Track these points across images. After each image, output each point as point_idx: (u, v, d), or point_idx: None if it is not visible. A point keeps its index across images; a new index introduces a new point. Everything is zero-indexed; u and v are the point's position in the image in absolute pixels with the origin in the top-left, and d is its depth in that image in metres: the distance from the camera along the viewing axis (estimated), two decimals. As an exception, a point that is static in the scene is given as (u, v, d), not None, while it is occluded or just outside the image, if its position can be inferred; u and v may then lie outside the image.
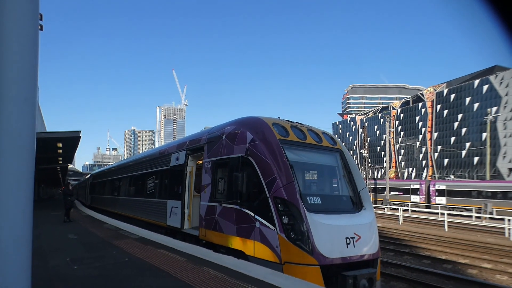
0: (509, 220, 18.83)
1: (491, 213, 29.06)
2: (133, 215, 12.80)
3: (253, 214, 5.87)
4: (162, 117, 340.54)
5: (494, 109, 74.68)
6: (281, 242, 5.30)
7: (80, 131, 14.06)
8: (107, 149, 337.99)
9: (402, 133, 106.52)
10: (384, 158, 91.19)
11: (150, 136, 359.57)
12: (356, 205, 6.56)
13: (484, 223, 23.40)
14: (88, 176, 31.79)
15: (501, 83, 79.73)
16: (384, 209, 31.54)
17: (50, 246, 7.24)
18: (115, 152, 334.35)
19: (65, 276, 4.77)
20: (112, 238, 8.29)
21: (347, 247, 5.45)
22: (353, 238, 5.57)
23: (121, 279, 4.58)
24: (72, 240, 8.26)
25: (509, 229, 18.01)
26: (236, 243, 6.18)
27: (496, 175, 72.25)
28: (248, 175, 6.21)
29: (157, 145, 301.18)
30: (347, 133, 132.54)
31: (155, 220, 10.28)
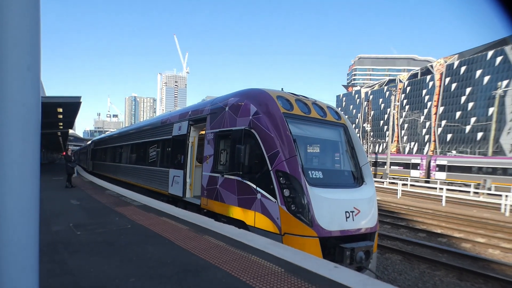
0: (506, 196, 19.07)
1: (489, 189, 29.39)
2: (135, 182, 13.00)
3: (254, 186, 5.91)
4: (164, 84, 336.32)
5: (505, 82, 71.11)
6: (281, 214, 5.38)
7: (80, 97, 13.91)
8: (108, 116, 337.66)
9: (407, 107, 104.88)
10: (387, 132, 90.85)
11: (151, 104, 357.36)
12: (357, 180, 6.58)
13: (481, 198, 23.71)
14: (90, 142, 32.00)
15: None
16: (383, 182, 31.92)
17: (52, 212, 7.36)
18: (116, 118, 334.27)
19: (68, 241, 4.88)
20: (114, 204, 8.44)
21: (346, 220, 5.53)
22: (352, 212, 5.64)
23: (124, 246, 4.69)
24: (75, 206, 8.41)
25: (505, 204, 18.28)
26: (237, 213, 6.29)
27: (498, 151, 71.81)
28: (251, 147, 6.18)
29: (158, 113, 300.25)
30: (351, 106, 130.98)
31: (156, 188, 10.44)
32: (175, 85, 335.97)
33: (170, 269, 3.70)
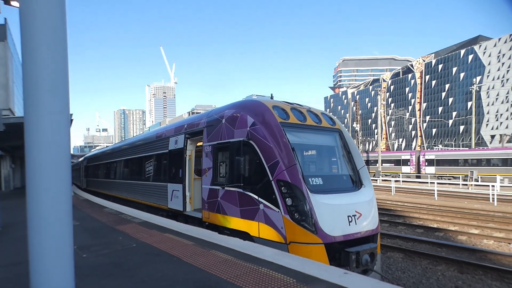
0: (493, 186, 19.77)
1: (476, 180, 30.40)
2: (132, 198, 12.88)
3: (256, 197, 5.98)
4: (152, 96, 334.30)
5: (478, 78, 78.02)
6: (285, 223, 5.45)
7: (72, 114, 13.77)
8: (97, 130, 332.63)
9: (392, 104, 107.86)
10: (376, 130, 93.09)
11: (141, 116, 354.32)
12: (356, 183, 6.72)
13: (470, 189, 24.42)
14: (82, 158, 31.49)
15: (484, 52, 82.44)
16: (376, 180, 32.41)
17: (54, 235, 7.22)
18: (106, 133, 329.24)
19: (76, 265, 4.78)
20: (115, 223, 8.35)
21: (349, 224, 5.65)
22: (354, 216, 5.76)
23: (133, 266, 4.66)
24: (75, 227, 8.18)
25: (493, 194, 18.90)
26: (241, 225, 6.33)
27: (480, 143, 76.32)
28: (250, 159, 6.26)
29: (147, 124, 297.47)
30: (339, 107, 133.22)
31: (155, 203, 10.39)
32: (164, 96, 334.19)
33: (184, 288, 3.71)
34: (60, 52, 1.65)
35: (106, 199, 15.42)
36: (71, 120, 14.62)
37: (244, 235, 6.17)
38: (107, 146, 30.73)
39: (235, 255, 4.91)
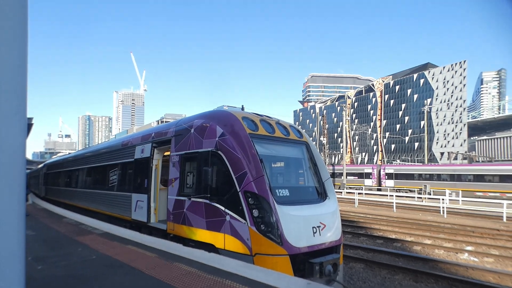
0: (443, 199, 21.42)
1: (429, 193, 32.82)
2: (94, 208, 12.23)
3: (223, 208, 5.94)
4: (120, 102, 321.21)
5: (429, 100, 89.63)
6: (251, 235, 5.47)
7: (32, 118, 12.87)
8: (60, 136, 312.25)
9: (356, 120, 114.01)
10: (341, 144, 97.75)
11: (107, 123, 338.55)
12: (321, 195, 6.94)
13: (424, 202, 26.13)
14: (42, 165, 29.30)
15: (433, 78, 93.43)
16: (341, 192, 33.55)
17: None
18: (69, 139, 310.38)
19: (29, 278, 4.46)
20: (74, 233, 7.88)
21: (314, 235, 5.79)
22: (319, 227, 5.92)
23: (92, 279, 4.44)
24: (31, 237, 7.68)
25: (443, 207, 20.43)
26: (206, 236, 6.25)
27: (432, 159, 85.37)
28: (218, 169, 6.24)
29: (114, 132, 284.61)
30: (307, 120, 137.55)
31: (118, 213, 9.95)
32: (132, 103, 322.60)
33: (146, 301, 3.61)
34: (18, 48, 1.56)
35: (67, 209, 14.49)
36: (31, 124, 13.66)
37: (209, 247, 6.09)
38: (69, 153, 28.95)
39: (199, 267, 4.84)
